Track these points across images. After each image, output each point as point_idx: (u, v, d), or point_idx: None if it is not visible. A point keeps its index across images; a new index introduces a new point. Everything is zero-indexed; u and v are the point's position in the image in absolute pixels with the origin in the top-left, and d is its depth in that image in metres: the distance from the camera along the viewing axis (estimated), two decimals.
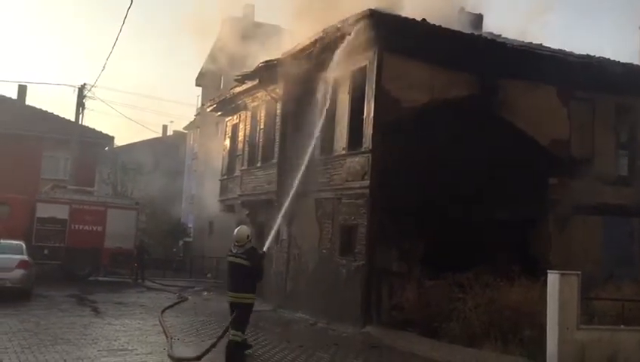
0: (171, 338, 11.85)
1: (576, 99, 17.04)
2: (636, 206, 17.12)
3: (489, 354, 10.93)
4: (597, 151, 17.25)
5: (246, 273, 10.00)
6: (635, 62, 19.68)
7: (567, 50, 17.44)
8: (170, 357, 10.32)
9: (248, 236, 10.25)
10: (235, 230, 10.50)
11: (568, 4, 69.69)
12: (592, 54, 17.62)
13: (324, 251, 16.49)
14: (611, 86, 16.59)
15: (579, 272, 10.16)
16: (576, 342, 9.80)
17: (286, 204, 14.62)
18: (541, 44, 17.85)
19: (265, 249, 11.89)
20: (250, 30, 25.87)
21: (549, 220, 16.37)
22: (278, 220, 15.08)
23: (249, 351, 10.56)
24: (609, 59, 17.30)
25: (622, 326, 10.53)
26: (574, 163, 16.81)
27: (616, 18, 72.66)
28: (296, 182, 14.94)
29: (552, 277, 10.07)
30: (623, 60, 17.37)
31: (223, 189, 24.96)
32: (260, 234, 17.78)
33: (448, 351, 11.39)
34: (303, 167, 15.60)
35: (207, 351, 10.09)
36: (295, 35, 18.84)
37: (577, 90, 16.91)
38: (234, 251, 10.13)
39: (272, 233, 14.50)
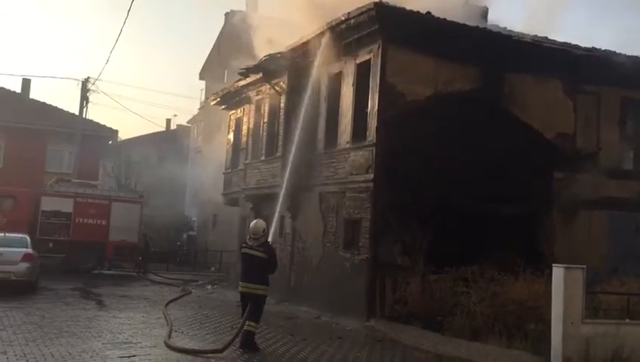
0: (171, 329, 11.89)
1: (582, 92, 16.94)
2: None
3: (493, 349, 10.91)
4: (602, 145, 17.15)
5: (261, 265, 10.35)
6: None
7: (573, 42, 17.34)
8: (168, 345, 10.44)
9: (264, 230, 10.62)
10: (252, 223, 10.80)
11: None
12: (598, 47, 17.52)
13: (328, 245, 16.48)
14: (617, 79, 16.48)
15: (584, 266, 10.13)
16: (581, 336, 9.78)
17: (280, 197, 14.63)
18: (546, 37, 17.74)
19: (269, 239, 11.98)
20: (254, 23, 25.77)
21: (554, 214, 16.32)
22: (276, 214, 14.97)
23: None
24: (615, 52, 17.20)
25: (627, 320, 10.50)
26: (580, 157, 16.74)
27: (622, 11, 72.32)
28: (286, 176, 14.90)
29: (557, 272, 10.04)
30: (629, 53, 17.28)
31: (227, 183, 24.97)
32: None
33: (452, 345, 11.38)
34: (289, 163, 15.49)
35: (230, 342, 10.24)
36: (299, 28, 18.77)
37: (583, 83, 16.80)
38: (249, 243, 10.44)
39: (273, 225, 14.45)
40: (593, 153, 16.97)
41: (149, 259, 28.66)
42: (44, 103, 34.24)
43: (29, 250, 17.83)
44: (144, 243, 28.57)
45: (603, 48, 17.51)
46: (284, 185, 15.01)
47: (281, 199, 14.80)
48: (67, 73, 72.30)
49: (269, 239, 12.24)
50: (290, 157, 17.28)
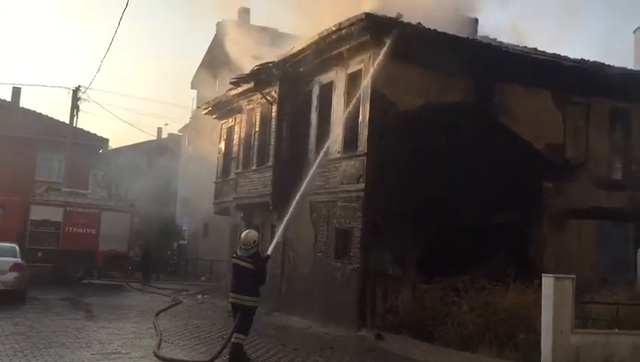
0: (161, 340, 11.81)
1: (572, 103, 17.09)
2: (631, 210, 17.16)
3: (484, 358, 10.94)
4: (591, 155, 17.28)
5: (250, 276, 10.20)
6: (630, 66, 19.82)
7: (562, 54, 17.49)
8: (157, 356, 10.37)
9: (255, 241, 10.42)
10: (244, 233, 10.69)
11: (562, 8, 69.90)
12: (586, 58, 17.71)
13: (319, 254, 16.47)
14: (606, 90, 16.65)
15: (573, 276, 10.20)
16: (571, 345, 9.83)
17: (292, 206, 14.18)
18: (536, 48, 17.91)
19: (269, 252, 11.87)
20: (246, 33, 25.83)
21: (543, 224, 16.40)
22: (284, 222, 14.47)
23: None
24: (604, 63, 17.39)
25: (616, 330, 10.55)
26: (569, 167, 16.86)
27: (611, 22, 73.05)
28: (304, 185, 14.47)
29: (547, 281, 10.10)
30: (617, 64, 17.47)
31: (218, 192, 24.93)
32: None
33: (443, 354, 11.39)
34: (312, 170, 15.01)
35: (218, 354, 10.18)
36: (291, 37, 18.82)
37: (572, 94, 16.95)
38: (239, 253, 10.33)
39: (277, 236, 14.19)
40: (582, 163, 17.09)
41: (151, 269, 29.08)
42: (34, 112, 34.12)
43: (18, 260, 17.69)
44: (146, 253, 28.95)
45: (592, 59, 17.71)
46: (297, 195, 14.24)
47: (293, 206, 14.05)
48: (58, 82, 71.87)
49: (270, 250, 12.12)
50: (283, 166, 17.23)
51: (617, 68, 17.14)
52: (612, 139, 17.90)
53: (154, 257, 30.90)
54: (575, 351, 9.78)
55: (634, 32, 25.61)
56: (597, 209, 16.76)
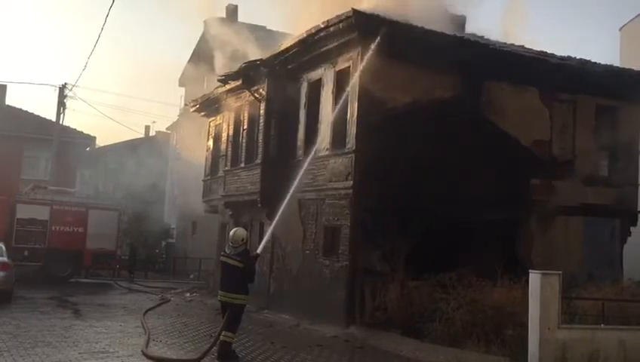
0: (149, 338, 11.76)
1: (558, 100, 17.21)
2: (617, 206, 17.31)
3: (471, 354, 10.97)
4: (578, 152, 17.42)
5: (238, 274, 10.20)
6: (616, 63, 19.97)
7: (549, 51, 17.59)
8: (145, 354, 10.34)
9: (243, 239, 10.44)
10: (232, 231, 10.67)
11: (550, 6, 70.41)
12: (573, 56, 17.81)
13: (308, 252, 16.47)
14: (592, 87, 16.78)
15: (560, 272, 10.24)
16: (558, 341, 9.87)
17: (283, 204, 14.03)
18: (523, 45, 17.99)
19: (259, 251, 11.83)
20: (234, 30, 25.73)
21: (531, 221, 16.51)
22: (274, 221, 14.19)
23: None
24: (590, 60, 17.50)
25: (602, 326, 10.62)
26: (556, 163, 16.97)
27: (598, 20, 73.60)
28: (295, 183, 14.34)
29: (534, 277, 10.14)
30: (604, 62, 17.60)
31: (206, 190, 24.85)
32: None
33: (431, 351, 11.44)
34: (303, 168, 14.91)
35: (207, 352, 10.14)
36: (280, 35, 18.75)
37: (559, 91, 17.07)
38: (227, 251, 10.31)
39: (267, 236, 14.10)
40: (569, 160, 17.21)
41: (137, 266, 29.39)
42: (20, 109, 33.86)
43: (4, 259, 17.55)
44: (131, 252, 29.13)
45: (579, 57, 17.81)
46: (289, 194, 13.99)
47: (284, 205, 13.80)
48: (44, 79, 71.30)
49: (260, 249, 12.06)
50: (271, 164, 17.29)
51: (603, 65, 17.26)
52: (598, 136, 18.02)
53: (140, 255, 31.06)
54: (562, 347, 9.82)
55: (619, 29, 25.82)
56: (584, 205, 16.90)
